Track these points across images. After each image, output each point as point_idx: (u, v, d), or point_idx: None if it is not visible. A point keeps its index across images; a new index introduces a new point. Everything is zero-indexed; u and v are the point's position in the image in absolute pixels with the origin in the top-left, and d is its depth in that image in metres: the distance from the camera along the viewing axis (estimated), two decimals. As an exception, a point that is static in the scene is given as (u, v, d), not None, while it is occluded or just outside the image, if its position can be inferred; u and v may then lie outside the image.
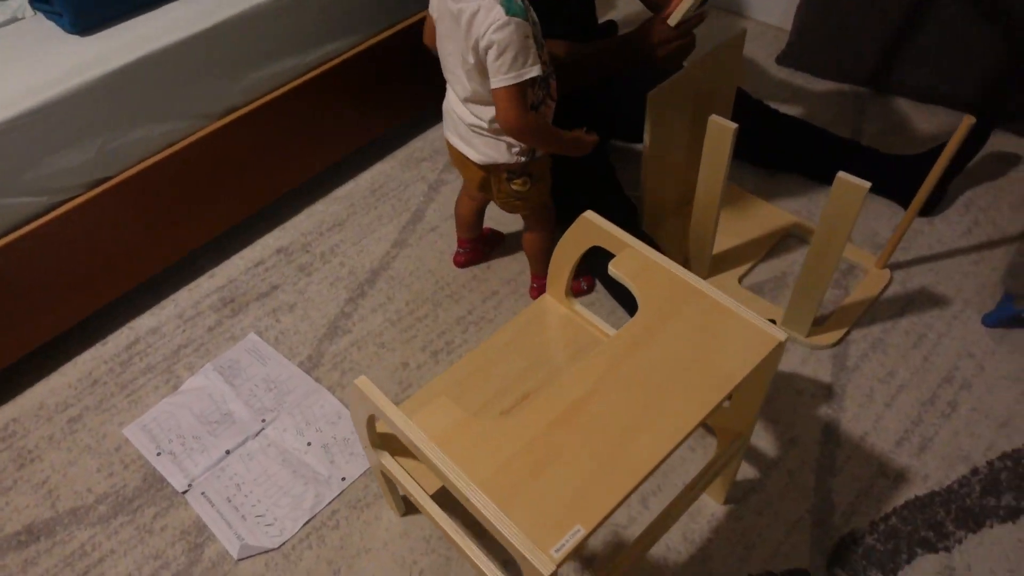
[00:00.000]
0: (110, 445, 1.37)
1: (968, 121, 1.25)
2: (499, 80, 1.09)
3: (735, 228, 1.62)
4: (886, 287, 1.51)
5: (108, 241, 1.45)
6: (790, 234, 1.62)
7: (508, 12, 1.05)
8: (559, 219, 1.43)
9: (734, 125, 1.24)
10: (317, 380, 1.45)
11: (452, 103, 1.27)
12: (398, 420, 0.85)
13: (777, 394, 1.35)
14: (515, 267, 1.62)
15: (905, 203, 1.62)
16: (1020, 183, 1.69)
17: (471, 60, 1.11)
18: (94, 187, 1.40)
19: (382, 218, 1.76)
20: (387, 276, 1.63)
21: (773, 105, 1.76)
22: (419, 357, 1.47)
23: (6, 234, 1.31)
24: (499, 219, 1.68)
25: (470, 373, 1.18)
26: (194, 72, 1.43)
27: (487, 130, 1.22)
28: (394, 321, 1.54)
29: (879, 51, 1.86)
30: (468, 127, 1.24)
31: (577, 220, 1.09)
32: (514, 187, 1.31)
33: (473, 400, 1.15)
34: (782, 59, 2.06)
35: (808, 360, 1.40)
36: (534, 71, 1.09)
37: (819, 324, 1.44)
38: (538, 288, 1.53)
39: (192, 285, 1.65)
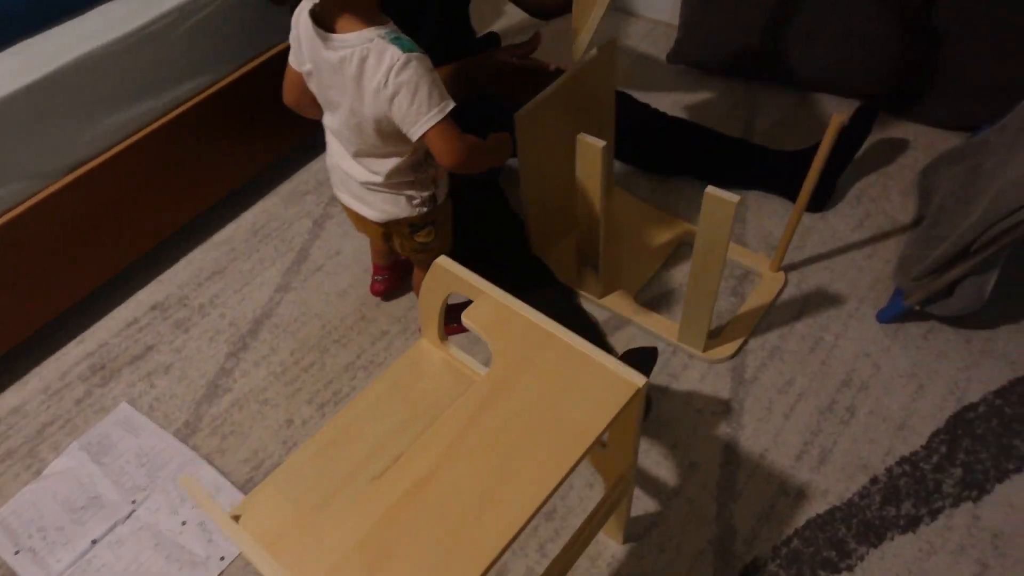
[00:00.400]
0: (-37, 547, 1.25)
1: (837, 120, 1.21)
2: (424, 122, 0.98)
3: (630, 240, 1.57)
4: (781, 290, 1.47)
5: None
6: (684, 242, 1.57)
7: (403, 49, 0.95)
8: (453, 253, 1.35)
9: (602, 143, 1.18)
10: (194, 449, 1.35)
11: (337, 159, 1.14)
12: (224, 526, 0.77)
13: (675, 416, 1.31)
14: (404, 304, 1.54)
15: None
16: (909, 169, 1.67)
17: (367, 113, 1.00)
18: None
19: (264, 261, 1.66)
20: (270, 325, 1.54)
21: (665, 105, 1.72)
22: (305, 411, 1.39)
23: None
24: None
25: (339, 435, 1.10)
26: (26, 127, 1.31)
27: (383, 185, 1.12)
28: (278, 374, 1.45)
29: (764, 42, 1.83)
30: (361, 185, 1.13)
31: (432, 267, 1.02)
32: (419, 240, 1.22)
33: (341, 467, 1.06)
34: (672, 56, 2.01)
35: (707, 376, 1.36)
36: (451, 104, 0.99)
37: (715, 336, 1.40)
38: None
39: (59, 354, 1.53)
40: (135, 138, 1.48)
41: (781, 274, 1.49)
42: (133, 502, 1.27)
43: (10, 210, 1.35)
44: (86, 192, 1.43)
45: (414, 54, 0.96)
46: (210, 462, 1.32)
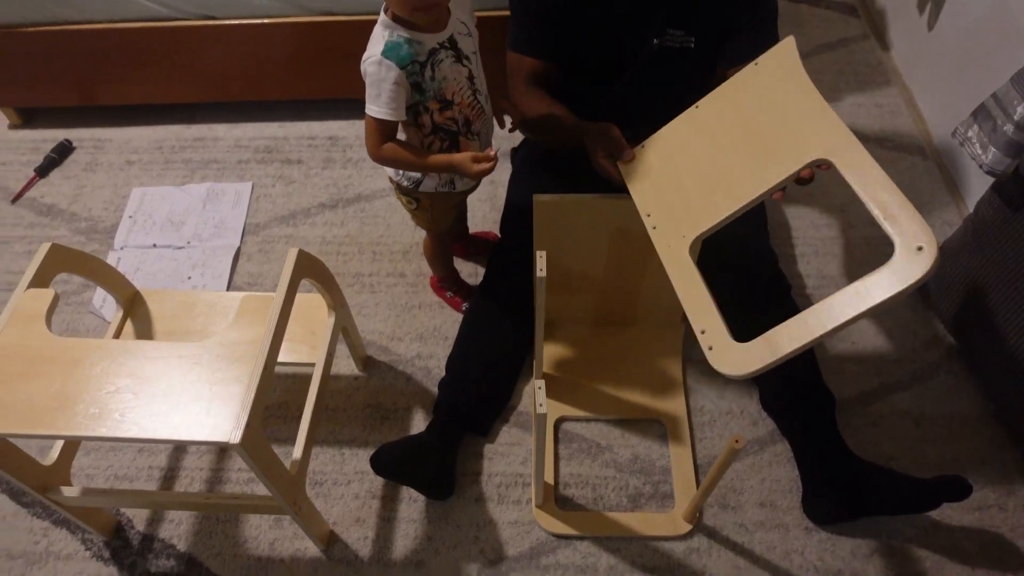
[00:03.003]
0: (122, 192, 1.89)
1: (734, 443, 1.00)
2: (366, 107, 1.16)
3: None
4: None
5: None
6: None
7: (383, 52, 1.10)
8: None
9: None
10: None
11: None
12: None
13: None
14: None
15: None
16: None
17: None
18: (202, 19, 1.79)
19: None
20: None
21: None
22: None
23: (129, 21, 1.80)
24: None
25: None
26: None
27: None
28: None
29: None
30: None
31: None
32: (402, 201, 1.40)
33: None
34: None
35: (513, 526, 1.33)
36: (385, 114, 1.13)
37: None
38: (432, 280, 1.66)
39: (268, 125, 2.03)
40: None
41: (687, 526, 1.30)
42: (188, 243, 1.77)
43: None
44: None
45: (387, 61, 1.09)
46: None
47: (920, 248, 0.81)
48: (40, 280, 1.15)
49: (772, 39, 1.27)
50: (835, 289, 0.86)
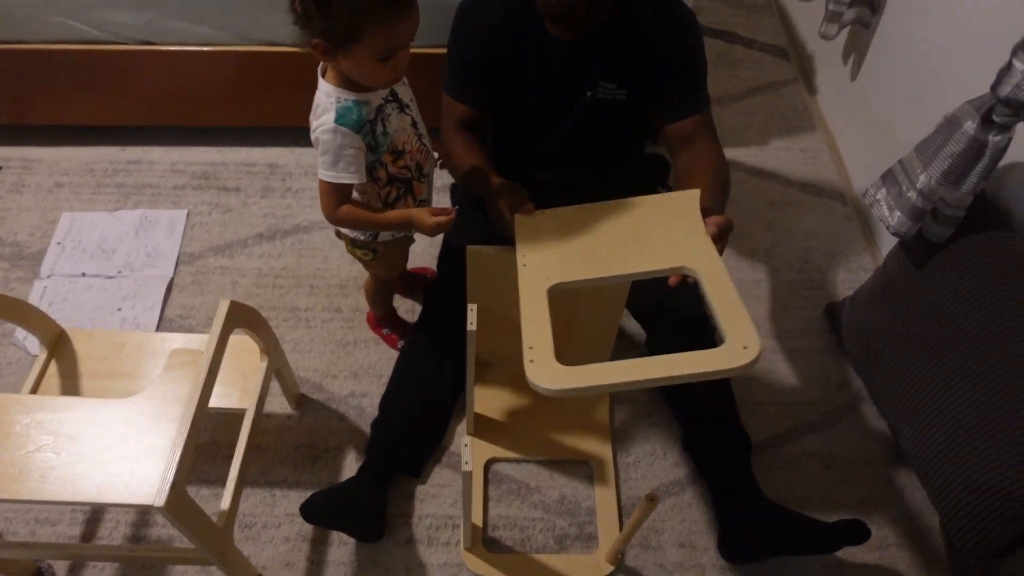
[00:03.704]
0: (51, 217, 1.85)
1: (648, 502, 1.05)
2: (320, 173, 1.16)
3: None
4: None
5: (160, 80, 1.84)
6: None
7: (336, 119, 1.11)
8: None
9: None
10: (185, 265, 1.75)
11: None
12: None
13: None
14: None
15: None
16: None
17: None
18: (141, 44, 1.77)
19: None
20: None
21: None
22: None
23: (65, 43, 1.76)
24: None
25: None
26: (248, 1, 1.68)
27: None
28: (264, 273, 1.77)
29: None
30: None
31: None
32: (356, 254, 1.39)
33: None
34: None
35: None
36: (346, 178, 1.15)
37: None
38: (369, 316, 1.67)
39: (209, 150, 2.01)
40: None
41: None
42: (119, 272, 1.74)
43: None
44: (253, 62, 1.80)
45: (342, 128, 1.10)
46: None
47: (745, 347, 0.95)
48: (-41, 329, 1.12)
49: (701, 95, 1.34)
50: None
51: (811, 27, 2.25)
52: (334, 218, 1.21)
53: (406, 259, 1.49)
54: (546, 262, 1.13)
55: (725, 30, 2.44)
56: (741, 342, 0.96)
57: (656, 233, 1.14)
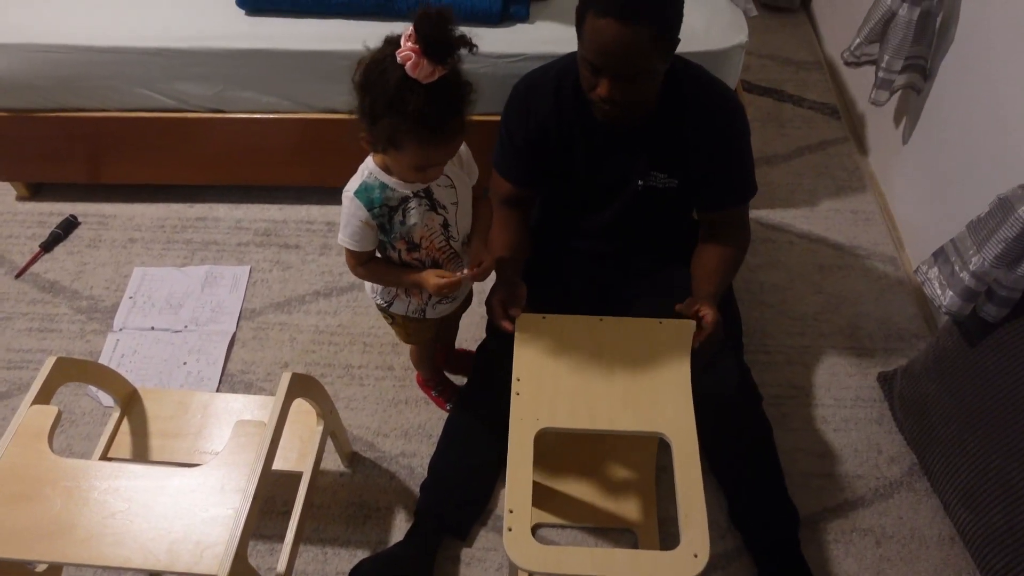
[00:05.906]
0: (124, 271, 1.96)
1: None
2: (339, 238, 1.24)
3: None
4: None
5: (214, 146, 1.95)
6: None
7: (356, 191, 1.19)
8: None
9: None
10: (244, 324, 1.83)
11: None
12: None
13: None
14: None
15: None
16: None
17: None
18: (211, 112, 1.88)
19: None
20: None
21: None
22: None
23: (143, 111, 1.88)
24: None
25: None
26: (310, 74, 1.78)
27: None
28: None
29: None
30: None
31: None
32: (382, 314, 1.46)
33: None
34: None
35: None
36: (348, 244, 1.22)
37: None
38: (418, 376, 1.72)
39: (270, 207, 2.11)
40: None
41: None
42: (185, 327, 1.83)
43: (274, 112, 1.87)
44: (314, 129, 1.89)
45: (356, 199, 1.17)
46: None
47: (696, 555, 1.01)
48: (44, 394, 1.21)
49: (742, 186, 1.37)
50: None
51: (860, 83, 2.25)
52: (356, 274, 1.28)
53: (428, 336, 1.51)
54: (539, 398, 1.18)
55: (774, 88, 2.45)
56: (692, 549, 1.02)
57: (645, 375, 1.20)
